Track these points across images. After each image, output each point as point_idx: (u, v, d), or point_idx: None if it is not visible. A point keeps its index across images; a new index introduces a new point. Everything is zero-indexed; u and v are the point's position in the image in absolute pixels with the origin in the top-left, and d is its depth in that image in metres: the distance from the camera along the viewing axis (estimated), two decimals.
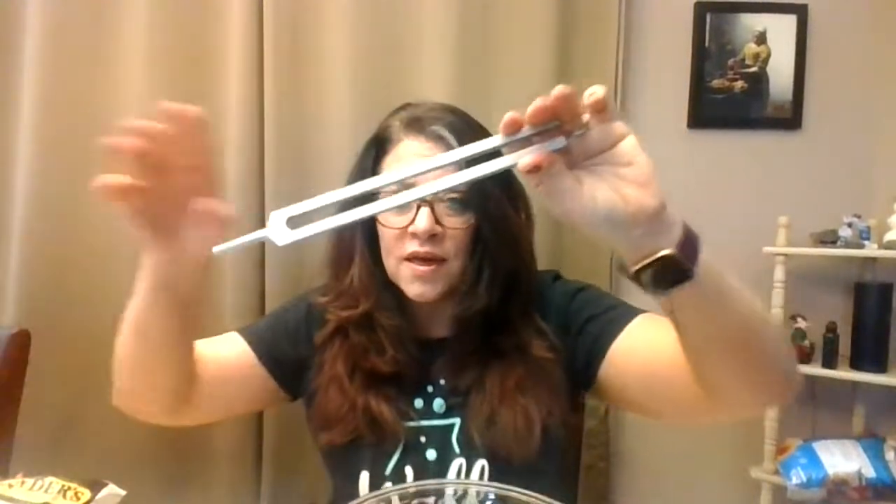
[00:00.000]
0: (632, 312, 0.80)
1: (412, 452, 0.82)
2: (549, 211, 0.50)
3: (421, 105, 0.87)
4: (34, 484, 0.77)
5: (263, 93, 1.35)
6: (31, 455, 1.13)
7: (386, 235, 0.81)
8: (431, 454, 0.83)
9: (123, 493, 0.80)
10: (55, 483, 0.77)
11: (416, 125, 0.82)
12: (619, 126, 0.49)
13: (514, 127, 0.48)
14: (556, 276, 0.93)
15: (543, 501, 0.54)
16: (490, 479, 0.80)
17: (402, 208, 0.77)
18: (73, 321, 1.36)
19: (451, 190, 0.72)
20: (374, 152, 0.84)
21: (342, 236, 0.87)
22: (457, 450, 0.82)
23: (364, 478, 0.82)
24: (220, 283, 1.38)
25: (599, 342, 0.81)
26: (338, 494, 0.91)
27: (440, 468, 0.82)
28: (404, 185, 0.73)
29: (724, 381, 0.62)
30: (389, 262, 0.82)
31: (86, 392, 1.36)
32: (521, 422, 0.79)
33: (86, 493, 0.77)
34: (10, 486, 0.76)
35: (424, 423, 0.84)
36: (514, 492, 0.57)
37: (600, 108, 0.47)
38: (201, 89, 1.38)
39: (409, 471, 0.82)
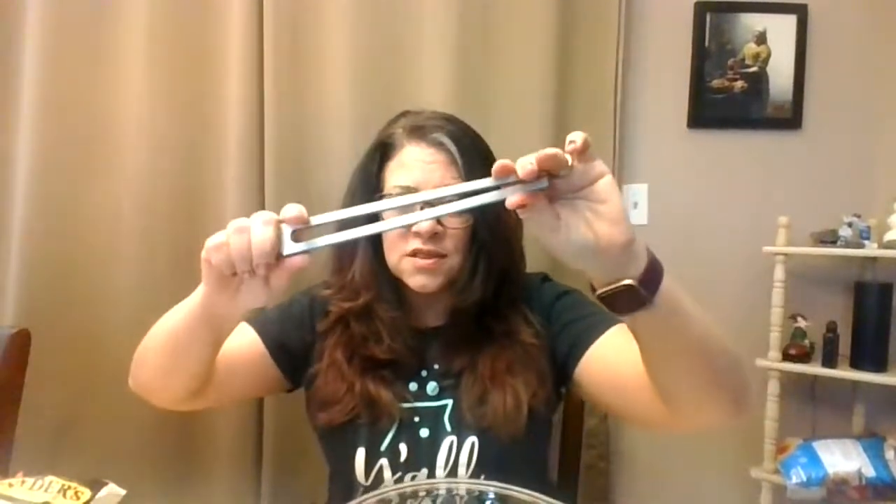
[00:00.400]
0: (609, 321, 0.86)
1: (406, 431, 0.88)
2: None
3: (420, 113, 0.94)
4: (34, 483, 0.77)
5: (263, 93, 1.35)
6: (31, 455, 1.13)
7: (390, 234, 0.88)
8: (424, 432, 0.88)
9: (123, 492, 0.80)
10: (55, 482, 0.77)
11: (419, 132, 0.89)
12: (598, 165, 0.55)
13: (504, 174, 0.53)
14: (545, 278, 1.01)
15: (544, 501, 0.55)
16: (479, 455, 0.86)
17: (406, 209, 0.82)
18: (73, 321, 1.36)
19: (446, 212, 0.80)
20: (378, 158, 0.91)
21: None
22: (448, 428, 0.88)
23: (360, 454, 0.87)
24: None
25: (575, 347, 0.87)
26: (334, 472, 0.96)
27: (432, 445, 0.87)
28: (410, 192, 0.81)
29: (679, 396, 0.68)
30: (392, 258, 0.88)
31: (86, 392, 1.36)
32: (510, 401, 0.85)
33: (86, 493, 0.77)
34: (10, 485, 0.76)
35: (419, 404, 0.90)
36: (515, 491, 0.58)
37: (580, 152, 0.53)
38: (201, 89, 1.38)
39: (402, 448, 0.87)
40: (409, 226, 0.83)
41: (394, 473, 0.86)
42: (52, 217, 1.35)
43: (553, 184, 0.54)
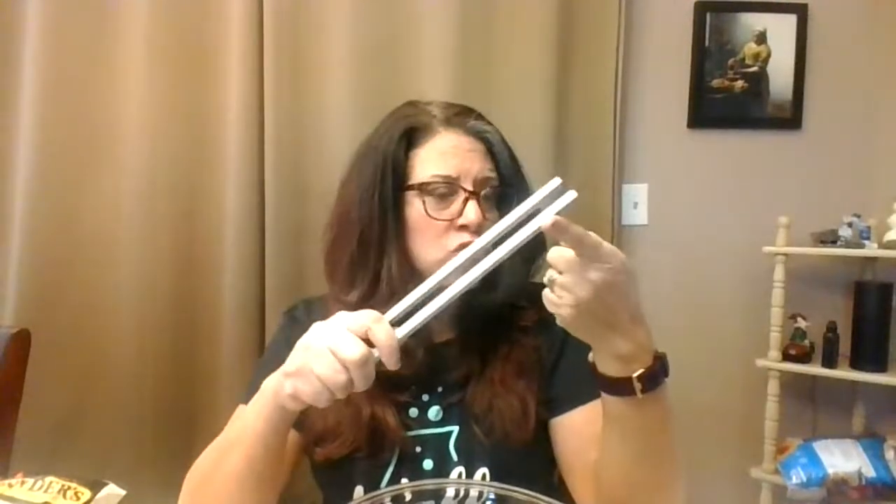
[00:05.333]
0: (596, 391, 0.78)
1: (408, 463, 0.80)
2: None
3: (438, 102, 0.86)
4: (34, 484, 0.77)
5: (263, 93, 1.35)
6: (31, 455, 1.13)
7: (431, 228, 0.79)
8: (428, 464, 0.80)
9: (123, 493, 0.80)
10: (55, 483, 0.77)
11: (457, 119, 0.82)
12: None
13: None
14: None
15: (544, 501, 0.54)
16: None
17: (449, 202, 0.78)
18: (73, 321, 1.36)
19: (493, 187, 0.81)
20: (406, 144, 0.82)
21: (364, 231, 0.81)
22: (455, 458, 0.80)
23: (359, 491, 0.80)
24: (220, 283, 1.38)
25: (558, 402, 0.81)
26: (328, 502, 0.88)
27: (438, 478, 0.80)
28: (453, 182, 0.79)
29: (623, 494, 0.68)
30: (433, 255, 0.79)
31: (86, 392, 1.36)
32: (517, 405, 0.79)
33: (86, 493, 0.77)
34: (10, 486, 0.76)
35: (421, 431, 0.81)
36: (514, 491, 0.57)
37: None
38: (201, 89, 1.38)
39: (405, 483, 0.79)
40: (454, 217, 0.78)
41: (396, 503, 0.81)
42: (52, 217, 1.35)
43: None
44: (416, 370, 0.80)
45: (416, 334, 0.67)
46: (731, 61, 1.54)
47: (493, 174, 0.81)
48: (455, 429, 0.81)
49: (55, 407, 1.35)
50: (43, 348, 1.21)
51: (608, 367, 0.62)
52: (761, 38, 1.54)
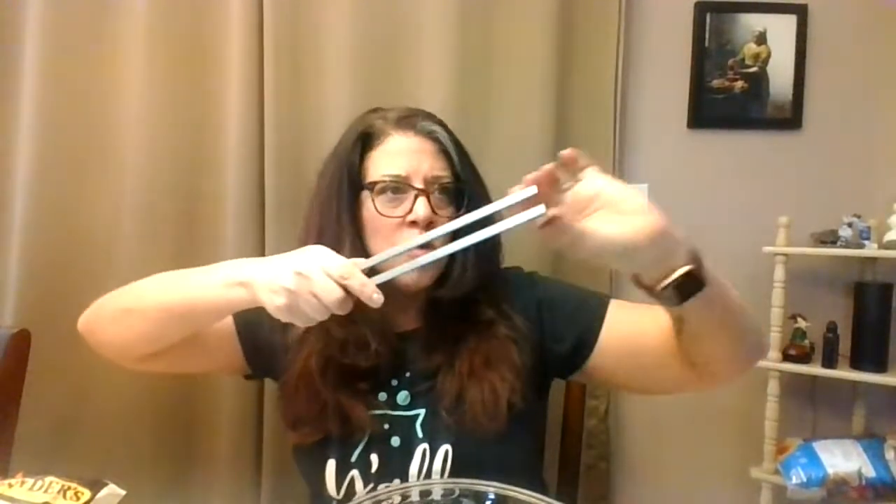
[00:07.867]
0: (603, 300, 0.87)
1: (376, 440, 0.84)
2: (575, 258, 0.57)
3: (394, 108, 0.91)
4: (34, 484, 0.77)
5: (263, 93, 1.35)
6: (31, 455, 1.13)
7: (383, 226, 0.83)
8: (395, 441, 0.85)
9: (123, 493, 0.80)
10: (55, 483, 0.77)
11: (406, 122, 0.87)
12: (589, 174, 0.58)
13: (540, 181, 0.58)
14: (518, 269, 0.99)
15: (543, 501, 0.55)
16: (454, 463, 0.82)
17: (401, 200, 0.83)
18: (73, 321, 1.35)
19: (447, 183, 0.85)
20: (360, 148, 0.87)
21: (323, 229, 0.87)
22: (420, 435, 0.84)
23: (330, 466, 0.84)
24: None
25: (586, 335, 0.86)
26: (310, 491, 0.92)
27: (404, 454, 0.84)
28: (402, 181, 0.83)
29: (712, 358, 0.72)
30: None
31: (86, 392, 1.36)
32: (488, 396, 0.82)
33: (86, 493, 0.76)
34: (10, 486, 0.76)
35: (388, 412, 0.86)
36: (514, 491, 0.58)
37: (565, 164, 0.58)
38: (201, 90, 1.38)
39: (374, 458, 0.84)
40: (405, 214, 0.82)
41: (365, 485, 0.83)
42: (52, 217, 1.35)
43: (566, 206, 0.57)
44: (380, 360, 0.85)
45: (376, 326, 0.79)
46: (731, 61, 1.54)
47: (444, 172, 0.85)
48: (422, 412, 0.85)
49: (55, 407, 1.35)
50: (43, 348, 1.21)
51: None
52: (761, 39, 1.54)
